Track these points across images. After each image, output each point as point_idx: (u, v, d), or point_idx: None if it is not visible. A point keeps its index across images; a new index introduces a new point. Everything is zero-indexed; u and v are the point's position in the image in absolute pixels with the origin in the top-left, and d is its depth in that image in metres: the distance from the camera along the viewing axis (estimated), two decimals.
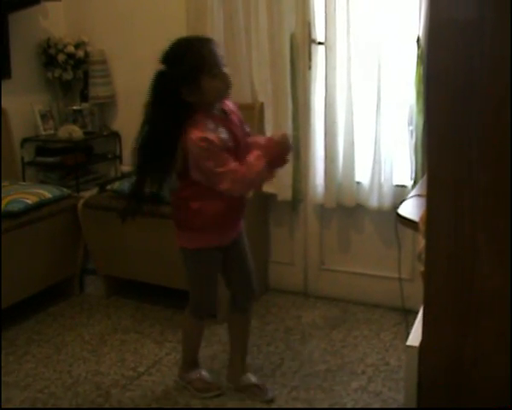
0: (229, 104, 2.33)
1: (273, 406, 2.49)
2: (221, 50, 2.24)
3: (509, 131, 1.43)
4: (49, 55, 3.82)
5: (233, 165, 2.16)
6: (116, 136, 3.96)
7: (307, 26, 3.18)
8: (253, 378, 2.58)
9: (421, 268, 1.67)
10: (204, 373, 2.62)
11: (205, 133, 2.13)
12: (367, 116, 3.14)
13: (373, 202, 3.16)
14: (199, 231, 2.32)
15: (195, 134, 2.13)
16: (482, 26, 1.41)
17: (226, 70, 2.21)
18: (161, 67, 2.21)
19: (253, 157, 2.19)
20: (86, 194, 3.57)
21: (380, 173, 3.10)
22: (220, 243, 2.38)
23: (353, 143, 3.14)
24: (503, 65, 1.40)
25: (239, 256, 2.46)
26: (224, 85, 2.21)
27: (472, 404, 1.60)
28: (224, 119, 2.26)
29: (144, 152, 2.24)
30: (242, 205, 2.39)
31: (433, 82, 1.51)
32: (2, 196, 3.15)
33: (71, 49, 3.78)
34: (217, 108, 2.25)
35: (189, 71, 2.13)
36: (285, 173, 3.22)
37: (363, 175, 3.20)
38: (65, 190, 3.47)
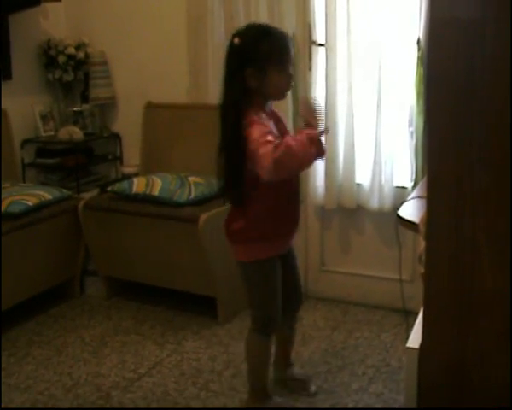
0: (276, 112, 2.28)
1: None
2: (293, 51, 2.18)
3: (510, 131, 1.43)
4: (49, 56, 3.82)
5: (277, 142, 2.02)
6: (116, 137, 3.96)
7: (307, 27, 3.18)
8: (297, 373, 2.60)
9: (422, 270, 1.67)
10: (279, 400, 2.45)
11: (259, 117, 2.07)
12: (367, 117, 3.14)
13: (373, 204, 3.16)
14: (257, 241, 2.21)
15: (251, 115, 2.07)
16: (483, 26, 1.41)
17: (291, 72, 2.16)
18: (236, 40, 2.12)
19: (292, 137, 2.06)
20: (87, 195, 3.58)
21: (380, 175, 3.10)
22: (276, 251, 2.27)
23: (354, 144, 3.14)
24: (505, 65, 1.40)
25: (292, 264, 2.40)
26: (285, 86, 2.16)
27: (472, 405, 1.60)
28: (276, 119, 2.21)
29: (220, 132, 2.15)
30: (297, 211, 2.29)
31: (434, 82, 1.51)
32: (3, 197, 3.15)
33: (71, 50, 3.78)
34: (268, 108, 2.19)
35: (260, 55, 2.07)
36: None
37: (363, 176, 3.20)
38: (65, 191, 3.47)
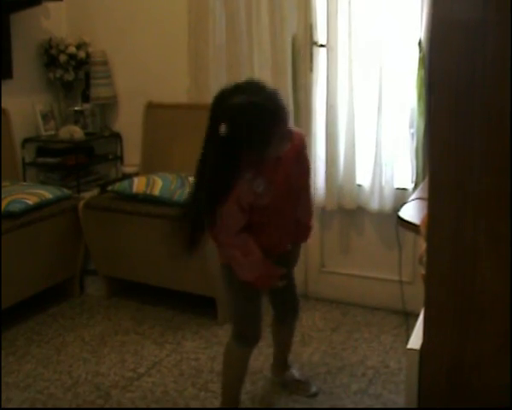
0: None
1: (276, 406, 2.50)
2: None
3: None
4: (50, 55, 3.82)
5: (236, 241, 2.05)
6: (117, 137, 3.96)
7: (309, 28, 3.17)
8: (296, 374, 2.60)
9: (423, 271, 1.67)
10: None
11: (233, 198, 1.99)
12: (368, 119, 3.14)
13: (374, 205, 3.16)
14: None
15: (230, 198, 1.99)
16: (485, 29, 1.41)
17: (289, 126, 2.03)
18: (221, 127, 1.91)
19: (257, 256, 2.06)
20: (87, 195, 3.58)
21: (381, 176, 3.10)
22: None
23: (354, 145, 3.14)
24: (506, 67, 1.40)
25: (289, 272, 2.32)
26: (287, 144, 2.02)
27: (473, 406, 1.60)
28: (274, 164, 2.06)
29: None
30: (289, 227, 2.22)
31: (436, 85, 1.51)
32: (3, 196, 3.15)
33: (72, 49, 3.78)
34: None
35: (259, 138, 1.92)
36: None
37: (363, 178, 3.20)
38: (66, 190, 3.47)
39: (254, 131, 1.91)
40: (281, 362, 2.60)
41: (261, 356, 2.78)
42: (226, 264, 2.18)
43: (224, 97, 1.94)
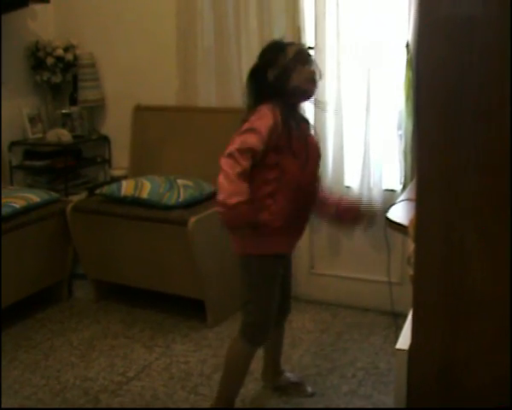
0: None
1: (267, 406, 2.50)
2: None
3: (500, 133, 1.43)
4: (37, 58, 3.80)
5: (235, 172, 1.96)
6: (105, 140, 3.95)
7: (297, 30, 3.18)
8: (291, 377, 2.60)
9: (411, 272, 1.67)
10: None
11: (256, 123, 2.05)
12: (356, 120, 3.15)
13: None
14: (270, 233, 2.09)
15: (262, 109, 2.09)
16: (473, 27, 1.41)
17: (315, 73, 2.18)
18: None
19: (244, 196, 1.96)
20: (75, 198, 3.55)
21: (369, 178, 3.11)
22: (286, 249, 2.23)
23: (343, 147, 3.15)
24: (494, 66, 1.41)
25: (288, 273, 2.36)
26: (306, 85, 2.16)
27: (462, 406, 1.61)
28: (299, 123, 2.17)
29: None
30: (309, 205, 2.23)
31: (424, 84, 1.51)
32: None
33: (60, 52, 3.76)
34: (296, 112, 2.21)
35: (280, 58, 2.13)
36: None
37: (352, 179, 3.20)
38: (53, 194, 3.45)
39: (283, 51, 2.14)
40: (272, 368, 2.58)
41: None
42: (244, 255, 2.15)
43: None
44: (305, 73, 2.15)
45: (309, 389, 2.58)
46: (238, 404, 2.45)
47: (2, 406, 2.53)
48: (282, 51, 2.15)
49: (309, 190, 2.21)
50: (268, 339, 2.27)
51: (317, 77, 2.19)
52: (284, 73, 2.12)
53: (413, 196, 1.70)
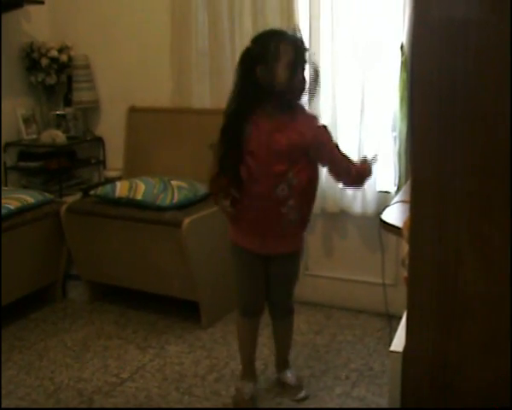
0: (308, 121, 2.29)
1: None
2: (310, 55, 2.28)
3: (494, 136, 1.44)
4: (32, 59, 3.79)
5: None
6: (99, 141, 3.94)
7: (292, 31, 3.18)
8: (289, 378, 2.61)
9: (405, 273, 1.68)
10: (247, 390, 2.51)
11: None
12: (351, 122, 3.16)
13: (357, 208, 3.18)
14: (236, 224, 2.36)
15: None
16: (467, 29, 1.42)
17: (304, 73, 2.22)
18: (249, 44, 2.29)
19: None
20: (69, 199, 3.55)
21: None
22: (252, 247, 2.34)
23: None
24: (489, 68, 1.42)
25: (275, 273, 2.44)
26: (296, 83, 2.20)
27: (455, 407, 1.61)
28: (284, 122, 2.22)
29: (224, 123, 2.27)
30: (269, 220, 2.29)
31: (418, 86, 1.52)
32: None
33: (54, 53, 3.75)
34: (283, 112, 2.24)
35: (269, 52, 2.17)
36: None
37: None
38: (48, 195, 3.44)
39: (273, 43, 2.18)
40: (279, 360, 2.65)
41: None
42: (233, 242, 2.39)
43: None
44: (295, 67, 2.19)
45: (301, 394, 2.56)
46: (230, 406, 2.46)
47: None
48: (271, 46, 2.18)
49: (272, 197, 2.23)
50: (257, 312, 2.48)
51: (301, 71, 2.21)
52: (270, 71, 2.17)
53: (407, 197, 1.71)
